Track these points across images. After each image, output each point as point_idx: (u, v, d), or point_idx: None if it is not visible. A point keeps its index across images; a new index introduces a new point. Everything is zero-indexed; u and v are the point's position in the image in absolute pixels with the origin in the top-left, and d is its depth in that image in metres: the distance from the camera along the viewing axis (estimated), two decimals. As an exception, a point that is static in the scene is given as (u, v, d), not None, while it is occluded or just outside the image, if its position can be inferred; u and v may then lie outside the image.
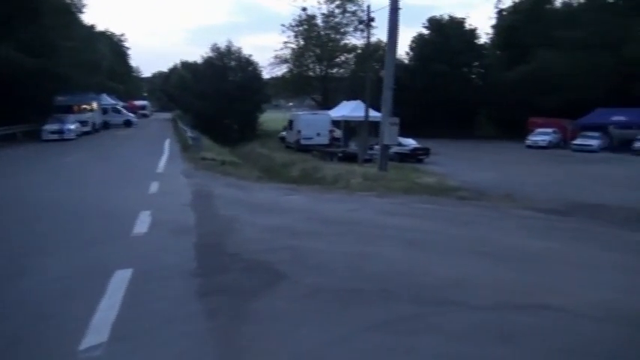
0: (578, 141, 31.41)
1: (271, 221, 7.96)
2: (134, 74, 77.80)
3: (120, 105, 44.96)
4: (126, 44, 66.46)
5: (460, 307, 4.33)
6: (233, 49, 49.08)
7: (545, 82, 38.29)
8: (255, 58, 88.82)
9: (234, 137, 40.15)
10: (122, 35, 65.66)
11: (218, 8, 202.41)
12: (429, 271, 5.31)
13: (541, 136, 33.28)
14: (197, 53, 72.50)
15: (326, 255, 5.92)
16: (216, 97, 43.34)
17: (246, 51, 60.32)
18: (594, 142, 30.77)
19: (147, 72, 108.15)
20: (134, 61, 77.69)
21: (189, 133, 26.19)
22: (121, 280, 4.94)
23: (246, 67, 48.63)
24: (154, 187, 11.62)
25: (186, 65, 72.06)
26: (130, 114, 43.73)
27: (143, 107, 60.89)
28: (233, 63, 48.66)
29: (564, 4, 48.11)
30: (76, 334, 3.77)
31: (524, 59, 41.47)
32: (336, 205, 10.12)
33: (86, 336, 3.74)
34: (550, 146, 32.47)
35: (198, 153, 19.64)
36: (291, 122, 33.32)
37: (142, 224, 7.50)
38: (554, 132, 33.71)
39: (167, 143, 25.41)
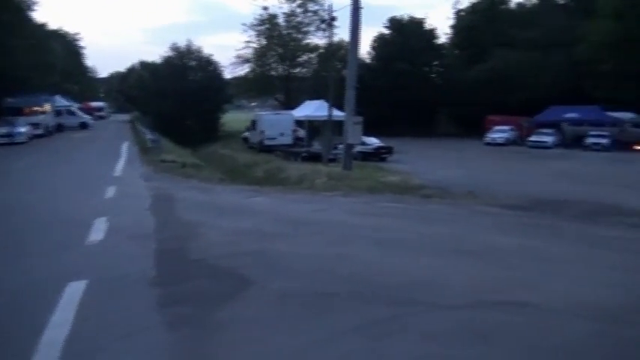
0: (533, 138, 32.44)
1: (236, 224, 7.69)
2: (90, 74, 74.90)
3: (75, 106, 43.16)
4: (81, 43, 63.85)
5: (435, 307, 4.23)
6: (193, 48, 48.19)
7: (503, 81, 39.40)
8: (216, 57, 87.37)
9: (195, 139, 39.29)
10: (77, 34, 63.01)
11: (177, 7, 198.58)
12: (401, 271, 5.21)
13: (499, 133, 34.20)
14: (156, 53, 71.32)
15: (295, 258, 5.73)
16: (176, 98, 42.38)
17: (206, 50, 59.42)
18: (549, 139, 31.85)
19: (103, 72, 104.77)
20: (90, 61, 74.58)
21: (149, 135, 25.39)
22: (74, 292, 4.58)
23: (207, 66, 47.83)
24: (111, 191, 11.10)
25: (144, 65, 70.02)
26: (86, 116, 42.04)
27: (100, 109, 58.73)
28: (193, 62, 47.75)
29: (519, 5, 49.72)
30: (23, 354, 3.44)
31: (482, 59, 42.55)
32: (302, 206, 9.94)
33: (34, 356, 3.41)
34: (508, 143, 33.41)
35: (158, 155, 19.04)
36: (254, 122, 32.93)
37: (98, 231, 7.09)
38: (511, 129, 34.70)
39: (125, 146, 24.55)
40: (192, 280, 5.08)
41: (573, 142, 32.22)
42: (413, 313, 4.12)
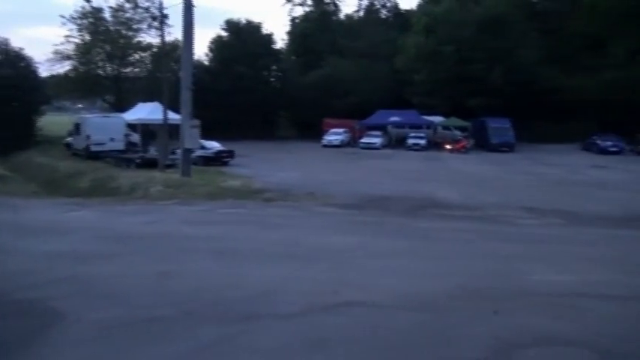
0: (364, 140, 35.13)
1: (49, 246, 6.63)
2: None
3: None
4: None
5: (270, 319, 4.11)
6: (-1, 40, 41.19)
7: (337, 87, 42.03)
8: (30, 52, 76.47)
9: (6, 146, 33.67)
10: None
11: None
12: (237, 284, 4.99)
13: (334, 136, 36.26)
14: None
15: (118, 280, 5.10)
16: (-24, 98, 35.73)
17: (16, 44, 51.43)
18: (377, 140, 34.81)
19: None
20: None
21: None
22: None
23: (17, 62, 41.35)
24: None
25: None
26: None
27: None
28: (-1, 57, 40.87)
29: (347, 17, 53.49)
30: None
31: (317, 65, 44.73)
32: (132, 219, 9.07)
33: None
34: (342, 145, 35.58)
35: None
36: (77, 126, 29.37)
37: None
38: (345, 132, 37.06)
39: None
40: (-15, 321, 4.17)
41: (398, 143, 35.76)
42: (247, 329, 3.93)
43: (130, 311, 4.27)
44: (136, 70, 48.10)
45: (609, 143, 30.46)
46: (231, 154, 24.55)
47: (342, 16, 53.46)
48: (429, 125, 36.56)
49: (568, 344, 3.72)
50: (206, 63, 47.69)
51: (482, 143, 33.44)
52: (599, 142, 30.94)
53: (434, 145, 34.64)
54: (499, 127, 33.00)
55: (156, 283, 5.01)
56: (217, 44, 46.96)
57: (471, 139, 33.52)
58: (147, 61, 47.07)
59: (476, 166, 23.34)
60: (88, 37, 44.91)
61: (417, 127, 36.41)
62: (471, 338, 3.76)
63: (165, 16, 24.83)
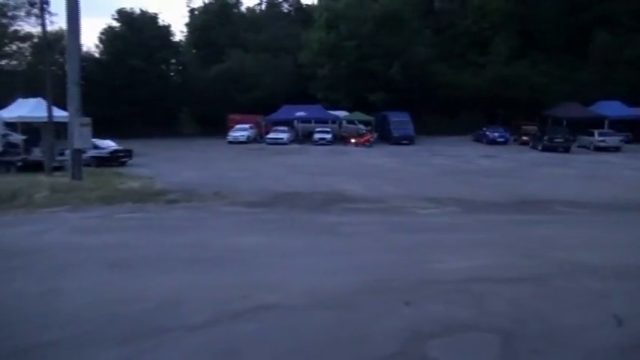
0: (271, 135, 34.97)
1: None
2: None
3: None
4: None
5: (177, 333, 3.83)
6: None
7: (240, 81, 41.31)
8: None
9: None
10: None
11: None
12: (139, 296, 4.60)
13: (240, 131, 35.64)
14: None
15: (-5, 304, 4.47)
16: None
17: None
18: (284, 136, 34.83)
19: None
20: None
21: None
22: None
23: None
24: None
25: None
26: None
27: None
28: None
29: (249, 10, 52.78)
30: None
31: (219, 59, 43.56)
32: (13, 231, 8.09)
33: None
34: (249, 141, 35.13)
35: None
36: (-61, 126, 25.85)
37: None
38: (250, 127, 36.61)
39: None
40: None
41: (305, 137, 36.08)
42: (153, 347, 3.62)
43: (10, 340, 3.73)
44: (14, 62, 43.64)
45: (497, 134, 33.36)
46: (128, 153, 23.15)
47: (243, 9, 52.63)
48: (335, 120, 37.36)
49: (476, 329, 3.91)
50: (97, 55, 44.47)
51: (385, 136, 34.89)
52: (487, 133, 33.75)
53: (340, 139, 35.47)
54: (399, 120, 34.63)
55: (42, 303, 4.45)
56: (108, 35, 43.90)
57: (375, 133, 34.80)
58: (27, 53, 42.87)
59: (379, 159, 24.28)
60: (-49, 25, 39.86)
61: (322, 121, 37.03)
62: (385, 332, 3.80)
63: (45, 2, 22.69)
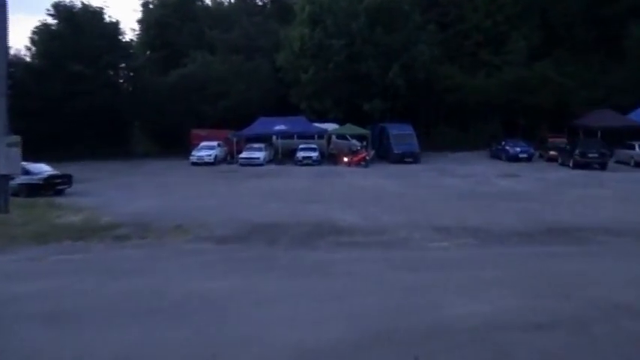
0: (244, 154, 35.03)
1: None
2: None
3: None
4: None
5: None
6: None
7: (206, 89, 41.41)
8: None
9: None
10: None
11: None
12: (82, 358, 4.54)
13: (206, 150, 35.65)
14: None
15: None
16: None
17: None
18: (260, 155, 34.94)
19: None
20: None
21: None
22: None
23: None
24: None
25: None
26: None
27: None
28: None
29: (215, 4, 53.34)
30: None
31: (180, 62, 43.79)
32: None
33: None
34: (217, 162, 35.12)
35: None
36: None
37: None
38: (219, 145, 36.68)
39: None
40: None
41: (285, 157, 36.17)
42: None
43: None
44: None
45: (519, 149, 33.75)
46: (68, 179, 22.98)
47: (208, 1, 53.23)
48: (322, 134, 37.54)
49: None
50: (28, 59, 44.39)
51: (384, 154, 35.08)
52: (507, 147, 34.15)
53: (329, 158, 35.64)
54: (401, 134, 34.83)
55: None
56: (43, 35, 43.88)
57: (371, 150, 34.95)
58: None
59: (377, 181, 24.42)
60: None
61: (307, 136, 37.20)
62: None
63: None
